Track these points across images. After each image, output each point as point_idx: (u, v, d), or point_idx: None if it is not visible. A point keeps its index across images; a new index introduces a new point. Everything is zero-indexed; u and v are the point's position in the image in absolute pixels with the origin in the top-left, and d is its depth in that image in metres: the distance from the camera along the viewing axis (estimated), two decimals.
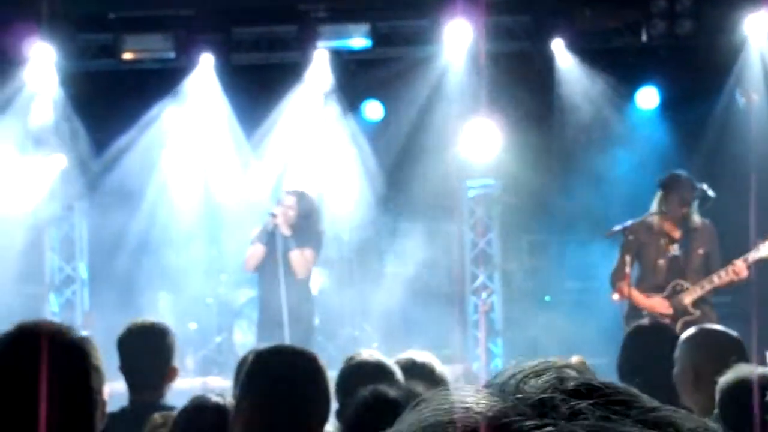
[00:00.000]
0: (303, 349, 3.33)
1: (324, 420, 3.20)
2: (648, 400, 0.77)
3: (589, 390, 0.76)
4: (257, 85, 10.42)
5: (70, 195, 10.58)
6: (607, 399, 0.75)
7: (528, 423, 0.74)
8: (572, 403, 0.74)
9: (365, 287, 10.37)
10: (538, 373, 0.78)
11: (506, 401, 0.76)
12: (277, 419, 3.11)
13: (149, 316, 5.14)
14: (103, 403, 2.69)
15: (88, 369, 2.62)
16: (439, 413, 0.77)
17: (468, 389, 0.78)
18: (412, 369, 4.21)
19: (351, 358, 4.19)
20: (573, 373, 0.78)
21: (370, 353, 4.30)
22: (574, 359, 5.04)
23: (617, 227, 7.70)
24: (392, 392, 3.04)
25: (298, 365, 3.20)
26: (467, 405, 0.76)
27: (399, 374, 3.95)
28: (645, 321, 5.77)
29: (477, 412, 0.75)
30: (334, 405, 3.55)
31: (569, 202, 10.31)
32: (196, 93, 10.50)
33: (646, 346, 4.57)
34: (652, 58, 10.39)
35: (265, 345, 4.37)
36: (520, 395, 0.76)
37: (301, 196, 8.67)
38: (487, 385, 0.78)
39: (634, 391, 0.77)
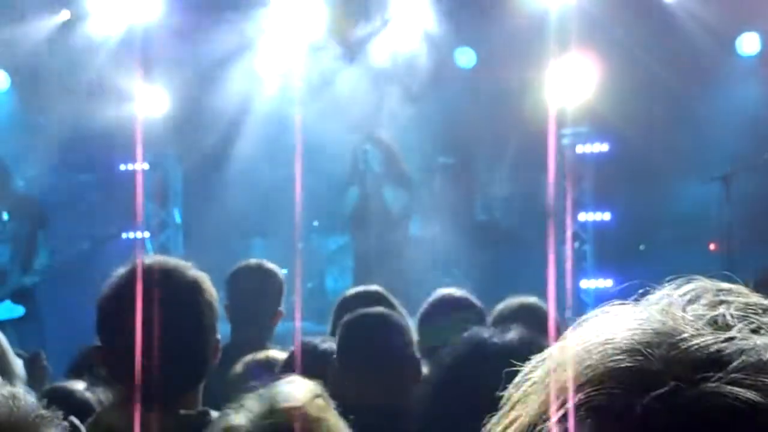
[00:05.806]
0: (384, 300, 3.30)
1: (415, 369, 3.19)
2: None
3: (761, 307, 0.73)
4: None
5: (165, 140, 10.63)
6: None
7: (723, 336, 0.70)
8: (752, 319, 0.71)
9: (455, 234, 10.32)
10: (696, 297, 0.75)
11: (685, 321, 0.72)
12: (369, 376, 3.11)
13: (254, 259, 5.14)
14: (217, 340, 2.71)
15: (203, 305, 2.65)
16: (641, 329, 0.73)
17: (636, 311, 0.74)
18: (519, 311, 4.18)
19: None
20: (732, 296, 0.74)
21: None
22: None
23: None
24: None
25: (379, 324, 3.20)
26: (662, 321, 0.73)
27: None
28: None
29: (678, 328, 0.72)
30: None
31: (666, 149, 10.10)
32: (287, 32, 10.39)
33: None
34: (754, 2, 10.08)
35: (355, 289, 4.42)
36: (694, 315, 0.72)
37: (388, 137, 8.61)
38: (647, 305, 0.75)
39: None
